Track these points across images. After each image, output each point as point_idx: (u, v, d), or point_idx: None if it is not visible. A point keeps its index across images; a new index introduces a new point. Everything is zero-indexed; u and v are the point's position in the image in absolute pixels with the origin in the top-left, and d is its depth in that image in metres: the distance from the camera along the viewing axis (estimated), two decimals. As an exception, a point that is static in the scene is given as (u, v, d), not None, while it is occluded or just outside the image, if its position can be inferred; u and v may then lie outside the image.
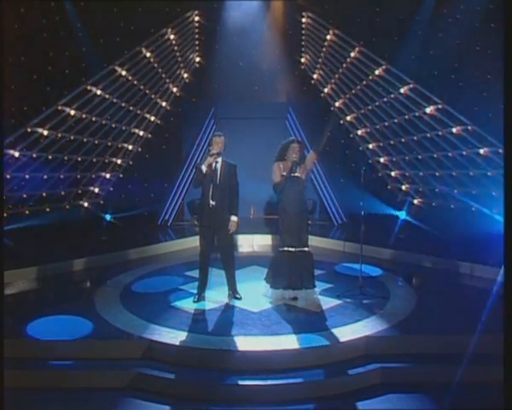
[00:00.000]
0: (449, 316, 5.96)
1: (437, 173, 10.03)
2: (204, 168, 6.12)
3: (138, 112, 10.79)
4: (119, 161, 10.96)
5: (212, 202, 6.13)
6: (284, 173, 6.28)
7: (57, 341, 5.22)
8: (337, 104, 11.38)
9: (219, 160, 6.22)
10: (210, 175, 6.16)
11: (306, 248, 6.36)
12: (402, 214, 9.94)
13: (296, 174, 6.30)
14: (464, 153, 9.34)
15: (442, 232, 9.45)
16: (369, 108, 10.71)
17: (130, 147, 11.06)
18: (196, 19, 11.27)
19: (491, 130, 8.73)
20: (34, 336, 5.30)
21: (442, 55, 9.61)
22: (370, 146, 11.18)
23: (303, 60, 11.73)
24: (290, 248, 6.28)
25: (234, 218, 6.23)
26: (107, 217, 10.04)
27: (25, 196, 9.26)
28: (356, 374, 4.82)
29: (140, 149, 11.27)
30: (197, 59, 11.64)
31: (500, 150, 8.61)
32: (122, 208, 10.70)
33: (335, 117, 10.75)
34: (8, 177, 8.63)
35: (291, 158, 6.30)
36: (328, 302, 6.33)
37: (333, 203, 11.53)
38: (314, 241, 9.08)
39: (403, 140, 10.38)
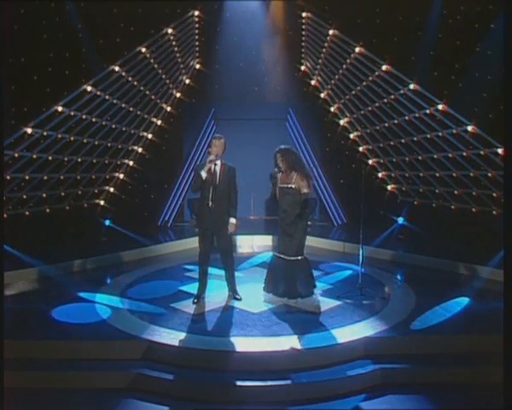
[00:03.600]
0: (448, 316, 5.96)
1: (437, 174, 10.03)
2: (204, 174, 6.10)
3: (138, 113, 10.78)
4: (118, 162, 10.96)
5: (211, 204, 6.13)
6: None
7: (56, 341, 5.23)
8: (336, 105, 11.38)
9: (218, 162, 6.22)
10: (209, 177, 6.16)
11: (300, 257, 6.21)
12: (400, 219, 9.92)
13: (286, 185, 6.22)
14: (464, 154, 9.34)
15: (441, 233, 9.46)
16: (369, 108, 10.70)
17: (130, 148, 11.06)
18: (196, 19, 11.26)
19: (491, 130, 8.73)
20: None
21: (442, 55, 9.60)
22: (370, 147, 11.18)
23: (303, 61, 11.71)
24: (282, 256, 6.27)
25: (232, 220, 6.24)
26: (107, 222, 10.02)
27: (25, 196, 9.26)
28: (356, 375, 4.82)
29: (140, 150, 11.26)
30: (197, 60, 11.63)
31: (500, 151, 8.61)
32: (122, 209, 10.70)
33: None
34: (8, 178, 8.63)
35: (277, 168, 6.30)
36: (327, 303, 6.34)
37: (333, 204, 11.53)
38: (314, 242, 9.13)
39: (403, 141, 10.37)
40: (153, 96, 10.92)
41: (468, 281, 7.56)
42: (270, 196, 6.51)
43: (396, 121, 10.32)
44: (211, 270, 6.60)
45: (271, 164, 6.41)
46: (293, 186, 6.19)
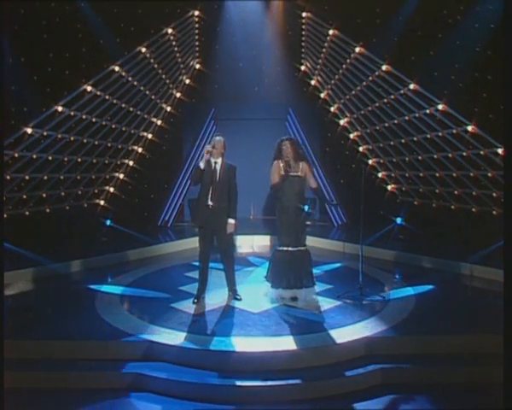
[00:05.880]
0: (448, 316, 5.96)
1: (437, 174, 10.03)
2: (202, 165, 6.13)
3: (138, 113, 10.79)
4: (118, 162, 10.96)
5: (210, 203, 6.14)
6: (282, 172, 6.27)
7: (56, 341, 5.23)
8: (336, 105, 11.39)
9: (219, 160, 6.23)
10: (209, 175, 6.17)
11: (304, 247, 6.37)
12: (399, 220, 9.92)
13: (296, 173, 6.28)
14: (464, 154, 9.35)
15: (441, 233, 9.46)
16: (369, 108, 10.71)
17: (130, 148, 11.06)
18: (196, 19, 11.27)
19: (491, 130, 8.73)
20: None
21: (442, 55, 9.60)
22: (370, 147, 11.18)
23: (303, 61, 11.71)
24: (288, 248, 6.28)
25: (231, 220, 6.25)
26: (108, 222, 10.02)
27: (25, 196, 9.26)
28: (356, 375, 4.81)
29: (140, 150, 11.27)
30: (197, 60, 11.63)
31: (500, 151, 8.61)
32: (122, 209, 10.70)
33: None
34: (8, 178, 8.64)
35: (284, 157, 6.30)
36: (327, 303, 6.33)
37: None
38: (314, 241, 9.12)
39: (403, 141, 10.38)
40: (153, 96, 10.93)
41: (467, 281, 7.58)
42: (268, 194, 6.52)
43: (396, 121, 10.33)
44: (211, 270, 6.59)
45: (271, 158, 6.41)
46: (301, 175, 6.24)
